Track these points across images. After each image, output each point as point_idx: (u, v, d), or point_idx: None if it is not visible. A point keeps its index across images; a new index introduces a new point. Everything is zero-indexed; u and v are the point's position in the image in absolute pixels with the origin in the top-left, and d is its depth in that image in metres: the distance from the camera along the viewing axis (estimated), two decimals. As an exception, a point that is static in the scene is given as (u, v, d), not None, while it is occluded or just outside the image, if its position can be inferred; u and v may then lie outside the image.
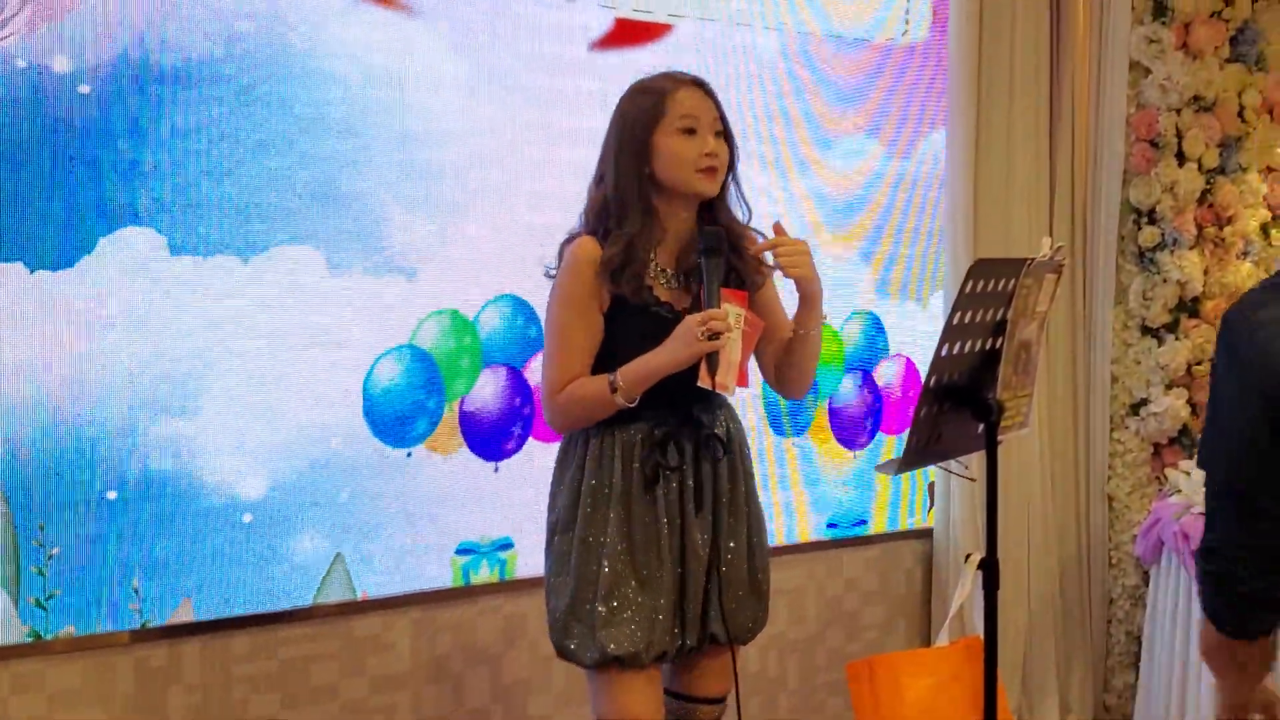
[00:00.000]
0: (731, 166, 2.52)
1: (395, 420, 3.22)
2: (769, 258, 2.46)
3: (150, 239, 2.88)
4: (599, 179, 2.51)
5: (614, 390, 2.40)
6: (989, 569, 2.38)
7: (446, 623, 3.32)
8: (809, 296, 2.49)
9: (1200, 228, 4.27)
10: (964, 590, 2.44)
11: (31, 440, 2.77)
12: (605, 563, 2.43)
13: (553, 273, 2.56)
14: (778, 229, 2.47)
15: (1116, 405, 4.27)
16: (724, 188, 2.52)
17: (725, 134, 2.50)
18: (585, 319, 2.46)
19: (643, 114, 2.45)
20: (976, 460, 2.53)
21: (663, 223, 2.49)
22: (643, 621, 2.43)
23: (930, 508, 4.20)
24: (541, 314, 3.34)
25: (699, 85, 2.49)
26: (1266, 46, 4.37)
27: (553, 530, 2.53)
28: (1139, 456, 4.25)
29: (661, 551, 2.46)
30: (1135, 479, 4.24)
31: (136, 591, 2.90)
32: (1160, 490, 4.11)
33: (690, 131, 2.44)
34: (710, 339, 2.34)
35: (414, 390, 3.24)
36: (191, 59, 2.91)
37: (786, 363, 2.59)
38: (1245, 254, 4.38)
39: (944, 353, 2.24)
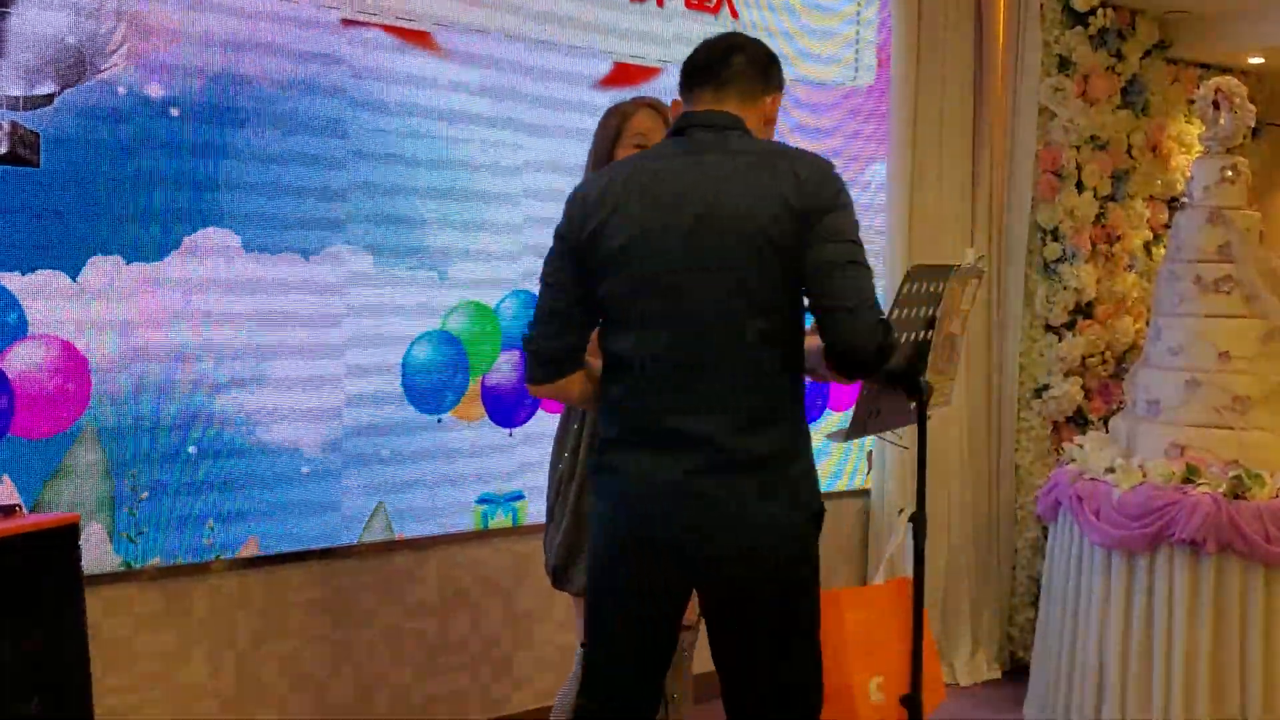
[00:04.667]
0: None
1: (428, 392, 3.21)
2: None
3: (227, 238, 2.86)
4: None
5: None
6: (918, 522, 2.37)
7: (467, 560, 3.32)
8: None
9: (1094, 245, 4.29)
10: (896, 540, 2.42)
11: (126, 404, 2.75)
12: None
13: None
14: None
15: (1023, 389, 4.28)
16: None
17: None
18: None
19: (608, 132, 2.46)
20: (909, 432, 2.52)
21: None
22: None
23: (868, 472, 4.20)
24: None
25: (653, 107, 2.48)
26: (1151, 96, 4.40)
27: (560, 479, 2.44)
28: (1041, 432, 4.26)
29: None
30: (1037, 450, 4.26)
31: (212, 529, 2.88)
32: (1058, 460, 4.10)
33: (640, 147, 2.38)
34: None
35: (444, 367, 3.23)
36: (264, 90, 2.89)
37: None
38: (1130, 266, 4.41)
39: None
